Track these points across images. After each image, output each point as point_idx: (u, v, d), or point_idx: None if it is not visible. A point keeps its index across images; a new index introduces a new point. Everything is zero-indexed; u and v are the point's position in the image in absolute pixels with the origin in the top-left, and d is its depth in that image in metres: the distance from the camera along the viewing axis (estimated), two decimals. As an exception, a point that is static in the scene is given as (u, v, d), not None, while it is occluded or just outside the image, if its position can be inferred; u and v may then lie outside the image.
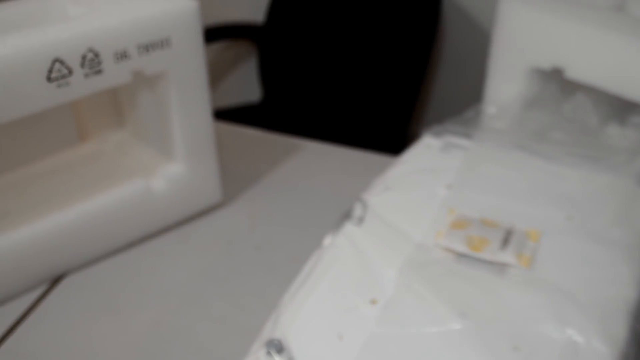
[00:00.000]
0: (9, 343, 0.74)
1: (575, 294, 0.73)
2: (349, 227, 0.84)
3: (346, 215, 0.87)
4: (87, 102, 0.92)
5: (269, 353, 0.67)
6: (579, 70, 0.92)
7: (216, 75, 2.08)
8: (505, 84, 1.01)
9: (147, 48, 0.77)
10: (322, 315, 0.72)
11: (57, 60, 0.70)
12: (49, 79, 0.70)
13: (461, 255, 0.79)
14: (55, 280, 0.82)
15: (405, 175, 0.93)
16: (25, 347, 0.74)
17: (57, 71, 0.71)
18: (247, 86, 2.05)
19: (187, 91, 0.83)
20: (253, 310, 0.78)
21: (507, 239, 0.81)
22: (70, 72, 0.72)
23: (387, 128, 1.70)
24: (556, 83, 0.99)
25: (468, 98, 1.55)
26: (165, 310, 0.78)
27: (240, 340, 0.73)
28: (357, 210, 0.87)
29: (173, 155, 0.88)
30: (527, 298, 0.73)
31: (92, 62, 0.73)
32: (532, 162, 0.92)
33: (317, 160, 1.06)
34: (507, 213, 0.84)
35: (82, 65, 0.72)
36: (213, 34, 1.89)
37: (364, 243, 0.81)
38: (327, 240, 0.83)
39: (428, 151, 0.98)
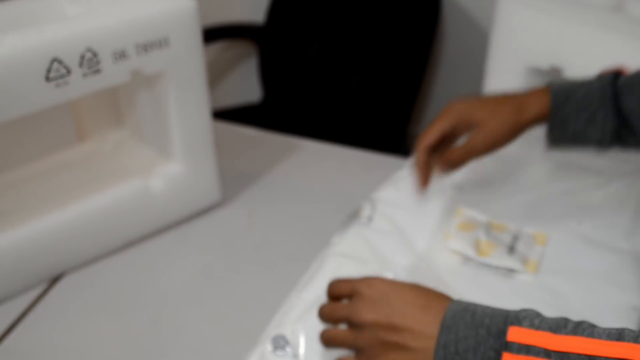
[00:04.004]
0: (8, 342, 0.74)
1: (580, 301, 0.73)
2: (357, 227, 0.85)
3: (355, 215, 0.87)
4: (85, 101, 0.92)
5: (274, 348, 0.68)
6: (576, 70, 0.92)
7: (216, 75, 2.07)
8: (504, 83, 1.01)
9: (145, 48, 0.77)
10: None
11: (55, 60, 0.70)
12: (47, 78, 0.71)
13: (468, 258, 0.80)
14: (54, 280, 0.83)
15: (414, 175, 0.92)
16: (24, 346, 0.74)
17: (55, 71, 0.71)
18: (247, 86, 2.04)
19: (185, 91, 0.83)
20: (251, 310, 0.78)
21: (514, 243, 0.81)
22: (68, 71, 0.72)
23: (386, 128, 1.70)
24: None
25: (467, 98, 1.55)
26: (163, 310, 0.78)
27: (239, 340, 0.73)
28: (366, 210, 0.87)
29: (172, 154, 0.88)
30: (532, 303, 0.73)
31: (90, 61, 0.73)
32: (541, 166, 0.92)
33: (316, 160, 1.06)
34: (515, 215, 0.83)
35: (81, 65, 0.72)
36: (213, 34, 1.89)
37: (372, 242, 0.81)
38: (335, 239, 0.83)
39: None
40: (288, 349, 0.68)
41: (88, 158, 0.92)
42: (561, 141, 0.77)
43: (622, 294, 0.74)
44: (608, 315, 0.70)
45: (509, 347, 0.51)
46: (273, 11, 1.82)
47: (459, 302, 0.56)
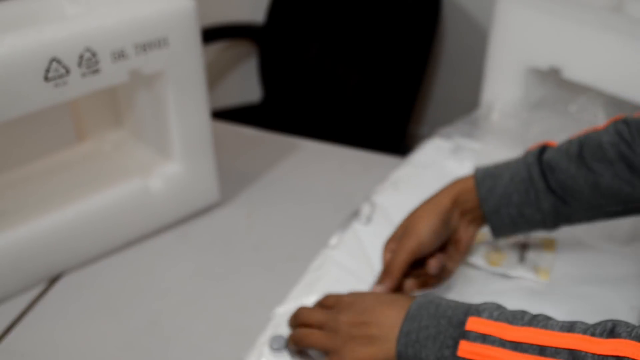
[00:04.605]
0: (7, 342, 0.74)
1: (581, 303, 0.73)
2: (356, 227, 0.85)
3: (354, 215, 0.87)
4: (85, 101, 0.92)
5: (273, 348, 0.68)
6: (576, 70, 0.92)
7: (216, 75, 2.07)
8: (503, 83, 1.01)
9: (144, 48, 0.77)
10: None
11: (54, 59, 0.70)
12: (46, 78, 0.71)
13: (479, 268, 0.79)
14: (53, 280, 0.82)
15: (413, 176, 0.92)
16: (23, 346, 0.74)
17: (54, 71, 0.71)
18: (247, 86, 2.04)
19: (184, 90, 0.83)
20: (250, 310, 0.78)
21: (523, 252, 0.81)
22: (67, 71, 0.72)
23: (386, 128, 1.69)
24: (563, 84, 0.99)
25: (467, 98, 1.55)
26: (162, 309, 0.78)
27: (238, 339, 0.73)
28: (365, 210, 0.87)
29: (171, 154, 0.88)
30: (541, 308, 0.73)
31: (89, 61, 0.73)
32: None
33: (316, 160, 1.06)
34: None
35: (80, 64, 0.72)
36: (213, 34, 1.89)
37: (372, 242, 0.81)
38: (334, 240, 0.83)
39: (438, 153, 0.97)
40: (286, 349, 0.68)
41: (87, 158, 0.92)
42: (502, 228, 0.73)
43: (622, 294, 0.74)
44: (609, 315, 0.70)
45: (466, 335, 0.54)
46: (273, 11, 1.82)
47: (425, 296, 0.60)
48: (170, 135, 0.86)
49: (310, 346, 0.64)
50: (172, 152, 0.87)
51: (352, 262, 0.79)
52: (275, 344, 0.68)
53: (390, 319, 0.59)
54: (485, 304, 0.57)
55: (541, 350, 0.51)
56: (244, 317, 0.77)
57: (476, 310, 0.56)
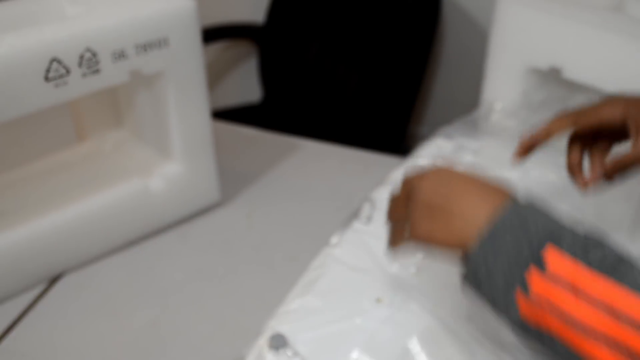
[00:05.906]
0: (7, 342, 0.74)
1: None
2: (357, 226, 0.84)
3: (354, 215, 0.87)
4: (85, 101, 0.92)
5: (272, 347, 0.68)
6: (576, 70, 0.92)
7: (216, 75, 2.07)
8: (503, 83, 1.01)
9: (144, 48, 0.77)
10: (328, 312, 0.72)
11: (54, 59, 0.70)
12: (46, 78, 0.71)
13: None
14: (53, 280, 0.83)
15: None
16: (23, 346, 0.74)
17: (54, 71, 0.71)
18: (247, 86, 2.05)
19: (184, 91, 0.83)
20: (250, 310, 0.78)
21: None
22: (67, 71, 0.72)
23: (386, 128, 1.70)
24: (562, 83, 0.99)
25: (468, 98, 1.55)
26: (162, 310, 0.78)
27: (238, 339, 0.73)
28: (366, 210, 0.87)
29: (171, 154, 0.88)
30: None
31: (89, 61, 0.73)
32: (538, 167, 0.92)
33: (316, 160, 1.06)
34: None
35: (80, 64, 0.72)
36: (213, 34, 1.89)
37: (372, 241, 0.81)
38: (335, 239, 0.83)
39: (438, 152, 0.97)
40: (286, 348, 0.68)
41: (88, 158, 0.92)
42: None
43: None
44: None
45: (540, 266, 0.48)
46: (273, 11, 1.82)
47: (515, 206, 0.51)
48: (170, 135, 0.86)
49: (391, 215, 0.60)
50: (172, 152, 0.87)
51: (352, 262, 0.79)
52: (275, 343, 0.68)
53: (475, 204, 0.52)
54: (564, 228, 0.50)
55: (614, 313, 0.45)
56: (243, 317, 0.77)
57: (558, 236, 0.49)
